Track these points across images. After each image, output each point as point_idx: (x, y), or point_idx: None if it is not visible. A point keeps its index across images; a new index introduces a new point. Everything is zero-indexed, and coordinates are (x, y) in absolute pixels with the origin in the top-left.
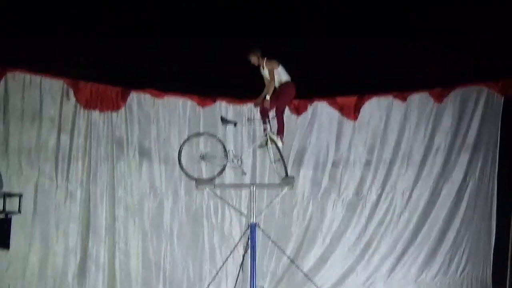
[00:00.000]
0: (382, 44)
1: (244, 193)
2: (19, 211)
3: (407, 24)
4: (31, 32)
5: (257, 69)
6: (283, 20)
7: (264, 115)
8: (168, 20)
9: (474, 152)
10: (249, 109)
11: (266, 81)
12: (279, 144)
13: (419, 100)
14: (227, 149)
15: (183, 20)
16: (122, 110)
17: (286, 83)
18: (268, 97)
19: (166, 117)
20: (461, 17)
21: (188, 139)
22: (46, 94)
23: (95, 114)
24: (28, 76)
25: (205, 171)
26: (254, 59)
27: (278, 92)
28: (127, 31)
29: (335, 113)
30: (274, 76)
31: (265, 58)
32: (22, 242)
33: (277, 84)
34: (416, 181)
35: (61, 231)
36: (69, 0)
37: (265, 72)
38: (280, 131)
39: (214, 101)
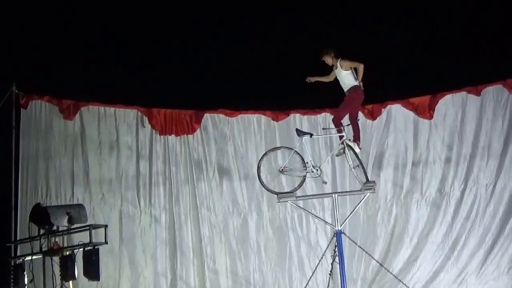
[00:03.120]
0: (449, 40)
1: (327, 201)
2: (106, 242)
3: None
4: (99, 65)
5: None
6: (350, 22)
7: (338, 123)
8: (230, 38)
9: None
10: (324, 119)
11: (341, 82)
12: (357, 150)
13: (493, 92)
14: (305, 161)
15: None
16: (198, 132)
17: (354, 87)
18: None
19: (242, 134)
20: None
21: (265, 154)
22: (121, 124)
23: (171, 138)
24: (102, 108)
25: (285, 184)
26: (328, 59)
27: (347, 98)
28: (191, 53)
29: (410, 114)
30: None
31: (340, 58)
32: (111, 270)
33: (345, 89)
34: (498, 172)
35: (149, 255)
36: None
37: (340, 72)
38: (356, 137)
39: (288, 114)
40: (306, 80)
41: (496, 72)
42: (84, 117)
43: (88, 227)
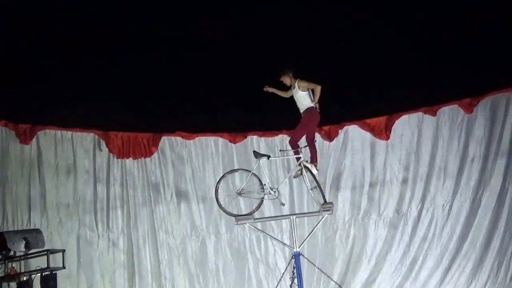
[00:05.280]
0: (405, 61)
1: (285, 223)
2: (64, 266)
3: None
4: (55, 89)
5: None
6: (307, 42)
7: (295, 144)
8: (187, 61)
9: (510, 157)
10: (281, 140)
11: (297, 103)
12: (314, 171)
13: (449, 112)
14: (263, 183)
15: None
16: (155, 155)
17: (310, 109)
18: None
19: (199, 157)
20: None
21: (223, 176)
22: (78, 148)
23: (129, 161)
24: (58, 132)
25: (243, 206)
26: (286, 79)
27: (303, 120)
28: (149, 76)
29: (366, 135)
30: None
31: (298, 79)
32: None
33: (301, 110)
34: (455, 192)
35: (107, 279)
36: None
37: (297, 93)
38: (314, 159)
39: (245, 136)
40: (264, 88)
41: (452, 93)
42: (41, 142)
43: (45, 252)
